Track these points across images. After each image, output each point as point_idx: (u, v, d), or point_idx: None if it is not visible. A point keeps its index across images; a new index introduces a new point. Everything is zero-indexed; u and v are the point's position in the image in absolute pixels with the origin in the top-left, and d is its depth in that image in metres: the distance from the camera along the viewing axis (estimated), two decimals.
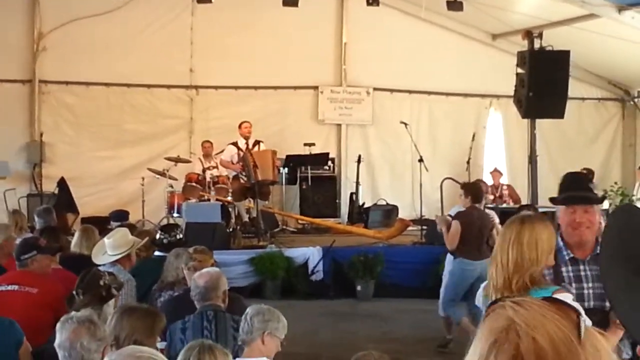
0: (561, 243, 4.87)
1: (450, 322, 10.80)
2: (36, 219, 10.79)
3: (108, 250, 7.95)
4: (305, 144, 17.79)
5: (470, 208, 10.71)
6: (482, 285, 4.69)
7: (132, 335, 5.00)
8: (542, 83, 14.58)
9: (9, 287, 6.86)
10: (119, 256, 7.90)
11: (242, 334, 5.59)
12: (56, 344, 4.61)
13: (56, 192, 16.49)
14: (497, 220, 11.18)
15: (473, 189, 11.10)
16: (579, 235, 4.87)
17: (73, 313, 4.81)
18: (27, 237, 8.39)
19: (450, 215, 10.98)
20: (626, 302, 1.49)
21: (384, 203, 17.93)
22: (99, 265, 7.36)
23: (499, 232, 4.86)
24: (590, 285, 4.80)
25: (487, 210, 11.51)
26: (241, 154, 15.92)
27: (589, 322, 1.62)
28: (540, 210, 12.20)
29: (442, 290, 10.87)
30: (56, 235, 9.01)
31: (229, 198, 15.87)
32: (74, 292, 5.99)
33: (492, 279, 4.39)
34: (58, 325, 4.66)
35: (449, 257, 10.75)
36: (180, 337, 5.92)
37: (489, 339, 1.56)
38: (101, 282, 6.05)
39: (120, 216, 13.95)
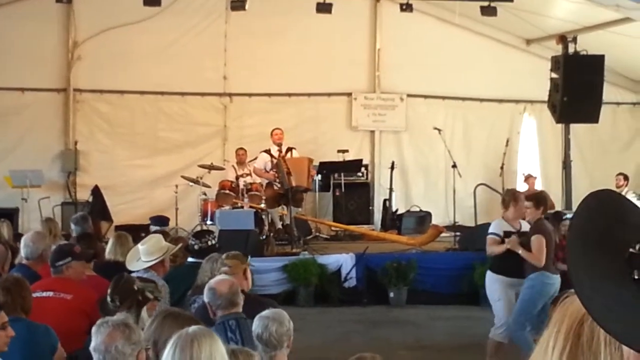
0: None
1: (499, 347, 9.97)
2: (72, 226, 10.83)
3: (142, 257, 7.96)
4: (338, 151, 17.80)
5: (542, 220, 10.06)
6: None
7: None
8: (577, 88, 14.51)
9: (44, 294, 6.89)
10: (153, 262, 7.89)
11: (268, 348, 5.44)
12: (91, 347, 4.63)
13: (90, 200, 16.58)
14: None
15: (544, 200, 10.61)
16: None
17: (108, 317, 4.83)
18: (62, 244, 8.42)
19: (496, 234, 10.03)
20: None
21: (418, 209, 17.90)
22: (131, 272, 7.38)
23: None
24: None
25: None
26: (274, 161, 15.94)
27: None
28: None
29: (516, 310, 9.87)
30: (92, 242, 9.06)
31: (262, 205, 15.85)
32: (109, 298, 6.00)
33: None
34: (94, 328, 4.68)
35: (492, 274, 10.03)
36: None
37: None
38: (135, 287, 6.06)
39: (160, 221, 13.92)
